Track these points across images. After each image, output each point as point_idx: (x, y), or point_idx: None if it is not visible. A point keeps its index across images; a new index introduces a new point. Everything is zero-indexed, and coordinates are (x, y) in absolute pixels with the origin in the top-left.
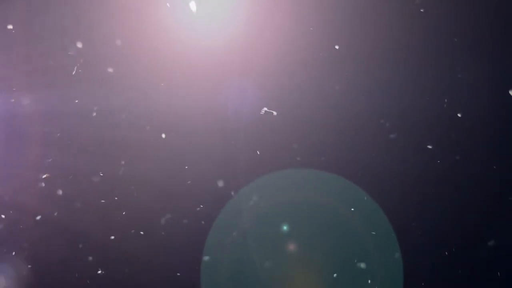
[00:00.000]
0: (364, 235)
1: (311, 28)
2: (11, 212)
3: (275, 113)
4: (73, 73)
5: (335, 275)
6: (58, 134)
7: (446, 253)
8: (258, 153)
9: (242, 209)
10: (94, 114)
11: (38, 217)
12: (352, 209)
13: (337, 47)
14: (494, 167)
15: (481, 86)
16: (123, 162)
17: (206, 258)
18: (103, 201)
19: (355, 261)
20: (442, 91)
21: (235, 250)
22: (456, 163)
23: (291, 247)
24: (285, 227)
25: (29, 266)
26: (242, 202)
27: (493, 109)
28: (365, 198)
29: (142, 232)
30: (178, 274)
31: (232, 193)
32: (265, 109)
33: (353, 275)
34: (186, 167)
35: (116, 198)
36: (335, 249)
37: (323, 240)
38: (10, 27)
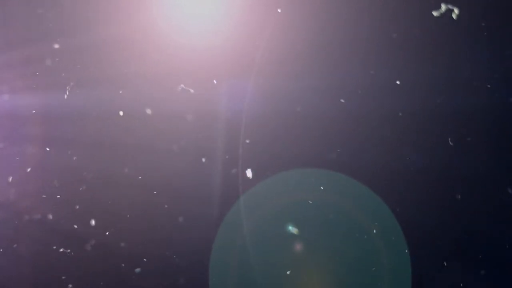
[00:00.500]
0: (372, 233)
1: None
2: (9, 213)
3: (192, 90)
4: (71, 74)
5: (344, 273)
6: (58, 135)
7: (456, 252)
8: (261, 154)
9: (248, 212)
10: (94, 115)
11: (37, 219)
12: (360, 209)
13: (279, 10)
14: (501, 164)
15: (483, 85)
16: (123, 165)
17: (213, 261)
18: (105, 203)
19: (365, 261)
20: (445, 89)
21: (244, 253)
22: (463, 161)
23: (300, 247)
24: (293, 228)
25: (27, 268)
26: (247, 204)
27: (496, 107)
28: (372, 196)
29: (145, 236)
30: (183, 277)
31: (237, 195)
32: (182, 85)
33: (362, 274)
34: (189, 170)
35: (118, 201)
36: (345, 248)
37: (332, 240)
38: (9, 27)
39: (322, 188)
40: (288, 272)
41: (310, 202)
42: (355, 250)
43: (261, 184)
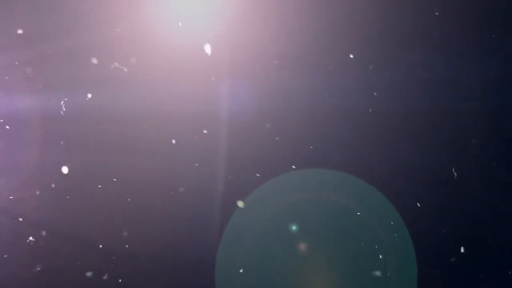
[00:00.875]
0: (376, 232)
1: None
2: (10, 216)
3: (125, 69)
4: (70, 75)
5: (349, 274)
6: (57, 137)
7: (455, 251)
8: (261, 154)
9: (251, 212)
10: (93, 116)
11: (37, 221)
12: (365, 208)
13: None
14: (501, 164)
15: (482, 85)
16: (124, 166)
17: (219, 263)
18: (106, 205)
19: (370, 261)
20: (445, 90)
21: (249, 254)
22: (463, 161)
23: (305, 247)
24: (297, 229)
25: (29, 270)
26: (251, 206)
27: (496, 107)
28: (375, 195)
29: (146, 238)
30: (186, 278)
31: (239, 196)
32: (116, 64)
33: (367, 274)
34: (189, 171)
35: (118, 202)
36: (348, 248)
37: (336, 240)
38: (10, 27)
39: (324, 187)
40: (293, 273)
41: (313, 202)
42: (359, 250)
43: (263, 184)
